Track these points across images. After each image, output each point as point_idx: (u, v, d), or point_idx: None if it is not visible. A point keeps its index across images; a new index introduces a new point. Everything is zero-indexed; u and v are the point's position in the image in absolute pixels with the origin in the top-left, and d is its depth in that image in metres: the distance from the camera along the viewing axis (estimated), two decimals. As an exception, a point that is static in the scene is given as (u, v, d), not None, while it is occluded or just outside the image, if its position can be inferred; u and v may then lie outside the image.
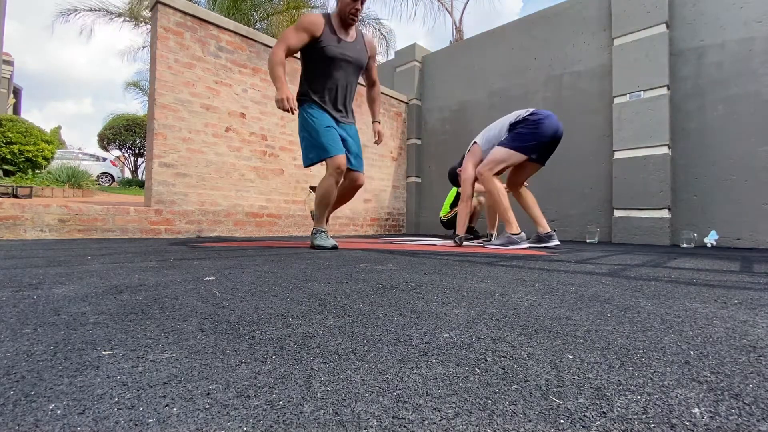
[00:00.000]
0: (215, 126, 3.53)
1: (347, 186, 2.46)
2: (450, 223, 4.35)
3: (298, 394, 0.40)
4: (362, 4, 2.25)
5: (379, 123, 2.64)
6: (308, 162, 2.31)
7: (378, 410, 0.37)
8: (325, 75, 2.30)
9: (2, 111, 11.62)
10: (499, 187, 2.76)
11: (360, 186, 2.50)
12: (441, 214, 4.47)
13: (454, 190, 4.32)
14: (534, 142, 2.66)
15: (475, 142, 2.99)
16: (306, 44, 2.24)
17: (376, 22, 11.90)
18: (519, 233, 2.71)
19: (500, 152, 2.73)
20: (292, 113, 2.18)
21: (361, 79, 2.58)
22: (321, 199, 2.31)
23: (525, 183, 3.01)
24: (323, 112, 2.30)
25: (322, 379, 0.45)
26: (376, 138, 2.62)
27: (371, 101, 2.65)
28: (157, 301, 0.82)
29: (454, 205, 4.34)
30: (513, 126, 2.74)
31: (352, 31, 2.36)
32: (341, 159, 2.23)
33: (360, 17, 2.34)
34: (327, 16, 2.29)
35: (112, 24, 10.94)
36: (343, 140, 2.36)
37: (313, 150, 2.26)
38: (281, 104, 2.13)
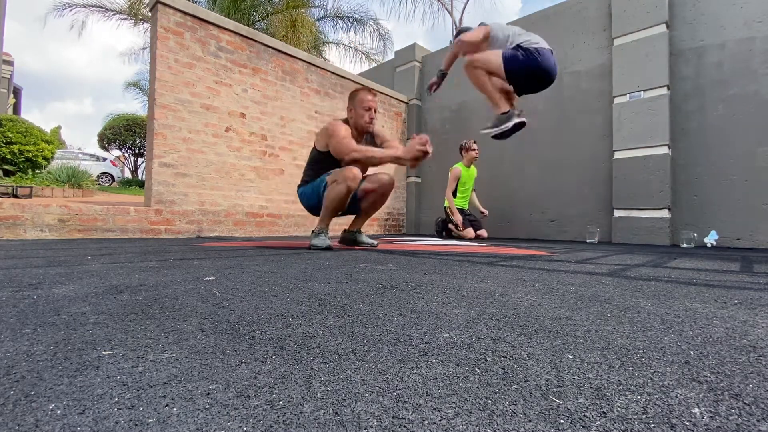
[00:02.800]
0: (215, 126, 3.53)
1: (377, 189, 2.46)
2: (445, 225, 4.49)
3: (298, 394, 0.40)
4: (375, 112, 2.39)
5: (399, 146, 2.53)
6: (321, 192, 2.35)
7: (378, 410, 0.37)
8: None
9: (2, 111, 11.62)
10: (480, 73, 2.66)
11: (389, 184, 2.47)
12: (447, 203, 4.47)
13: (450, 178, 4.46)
14: (521, 71, 2.59)
15: (488, 24, 2.81)
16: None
17: (375, 22, 11.91)
18: (507, 111, 2.64)
19: (495, 59, 2.61)
20: (427, 154, 2.16)
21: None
22: (329, 203, 2.28)
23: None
24: None
25: (322, 379, 0.45)
26: (423, 144, 2.25)
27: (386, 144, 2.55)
28: (157, 301, 0.82)
29: (454, 194, 4.46)
30: (518, 46, 2.61)
31: (363, 140, 2.47)
32: (352, 168, 2.21)
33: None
34: (346, 121, 2.42)
35: (110, 21, 10.92)
36: None
37: (322, 181, 2.33)
38: (419, 153, 2.13)
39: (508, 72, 2.58)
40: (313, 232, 2.35)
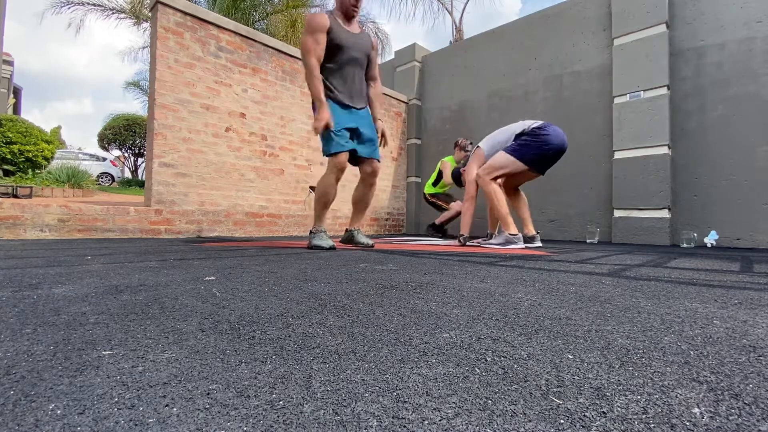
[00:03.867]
0: (215, 126, 3.53)
1: (364, 179, 2.49)
2: (433, 205, 4.69)
3: (298, 394, 0.40)
4: None
5: (382, 121, 2.59)
6: (325, 153, 2.34)
7: (378, 410, 0.37)
8: (337, 65, 2.33)
9: (2, 111, 11.61)
10: (497, 189, 2.84)
11: (376, 173, 2.49)
12: (426, 190, 4.73)
13: (437, 169, 4.65)
14: (536, 153, 2.74)
15: (478, 146, 3.07)
16: (325, 41, 2.26)
17: (373, 24, 11.95)
18: (516, 234, 2.78)
19: (501, 158, 2.81)
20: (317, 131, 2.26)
21: None
22: (320, 197, 2.35)
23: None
24: (336, 105, 2.33)
25: (322, 379, 0.45)
26: (380, 138, 2.57)
27: (371, 98, 2.59)
28: (157, 301, 0.82)
29: (436, 183, 4.66)
30: (519, 136, 2.81)
31: (355, 24, 2.40)
32: (342, 157, 2.29)
33: (360, 10, 2.37)
34: (330, 13, 2.33)
35: (109, 20, 10.92)
36: (356, 130, 2.39)
37: (325, 144, 2.32)
38: (318, 130, 2.22)
39: (527, 161, 2.76)
40: (311, 232, 2.37)
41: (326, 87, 2.32)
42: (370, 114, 2.53)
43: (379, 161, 2.50)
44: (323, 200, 2.35)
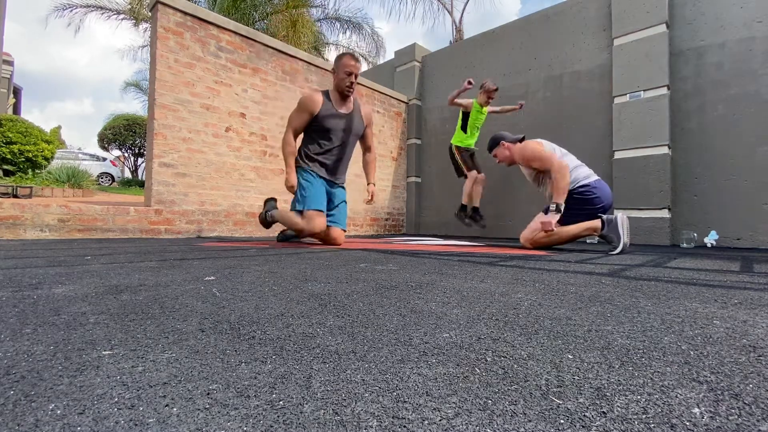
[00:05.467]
0: (215, 126, 3.53)
1: (327, 240, 2.72)
2: (453, 161, 4.23)
3: (298, 394, 0.40)
4: (356, 77, 2.53)
5: (374, 185, 2.85)
6: (293, 208, 2.61)
7: (378, 410, 0.37)
8: (324, 145, 2.59)
9: (2, 111, 11.61)
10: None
11: (336, 240, 2.71)
12: (453, 141, 4.21)
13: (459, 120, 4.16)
14: (580, 217, 2.63)
15: (540, 141, 2.80)
16: (308, 121, 2.56)
17: (371, 26, 11.98)
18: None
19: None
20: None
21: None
22: (289, 225, 2.64)
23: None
24: (317, 178, 2.61)
25: (322, 379, 0.45)
26: (369, 197, 2.84)
27: (366, 164, 2.89)
28: (157, 301, 0.82)
29: (464, 128, 4.14)
30: (571, 194, 2.60)
31: (350, 103, 2.63)
32: (318, 216, 2.50)
33: (354, 87, 2.59)
34: (326, 93, 2.59)
35: (110, 21, 10.96)
36: (329, 197, 2.68)
37: (299, 202, 2.57)
38: (289, 189, 2.58)
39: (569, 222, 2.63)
40: (281, 232, 2.72)
41: (313, 158, 2.62)
42: (344, 193, 2.83)
43: (344, 230, 2.77)
44: (289, 225, 2.62)
